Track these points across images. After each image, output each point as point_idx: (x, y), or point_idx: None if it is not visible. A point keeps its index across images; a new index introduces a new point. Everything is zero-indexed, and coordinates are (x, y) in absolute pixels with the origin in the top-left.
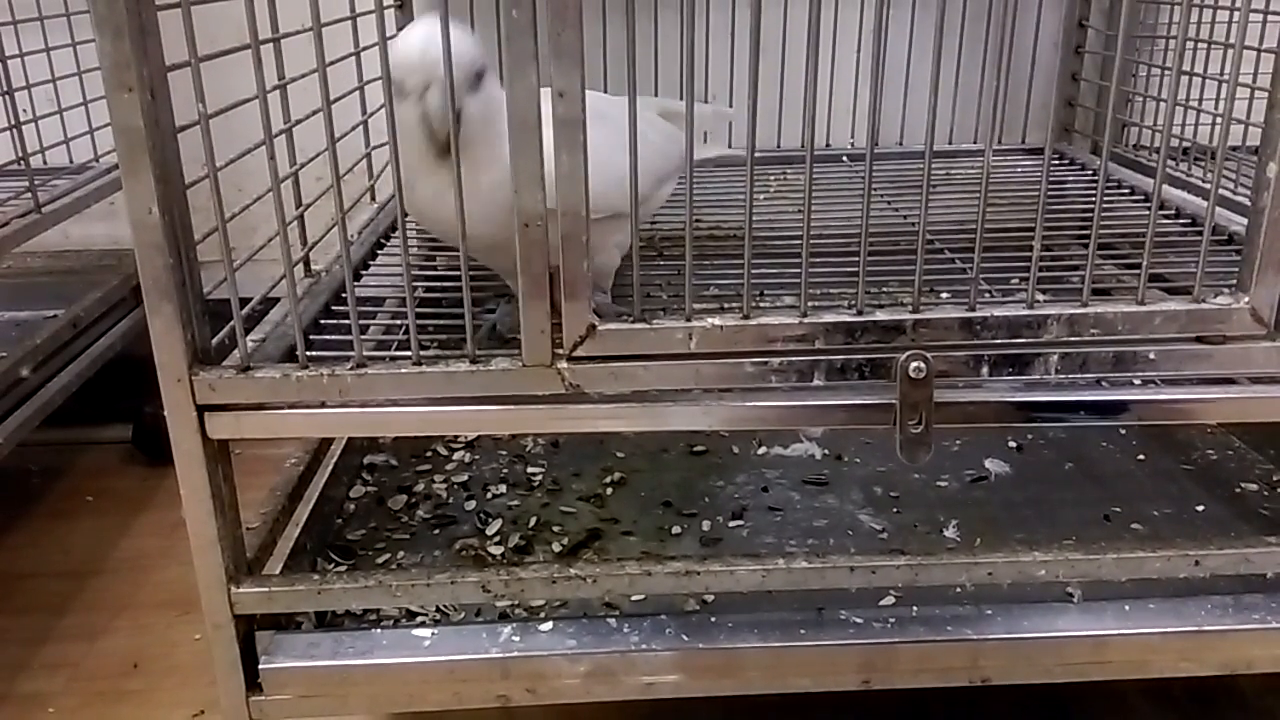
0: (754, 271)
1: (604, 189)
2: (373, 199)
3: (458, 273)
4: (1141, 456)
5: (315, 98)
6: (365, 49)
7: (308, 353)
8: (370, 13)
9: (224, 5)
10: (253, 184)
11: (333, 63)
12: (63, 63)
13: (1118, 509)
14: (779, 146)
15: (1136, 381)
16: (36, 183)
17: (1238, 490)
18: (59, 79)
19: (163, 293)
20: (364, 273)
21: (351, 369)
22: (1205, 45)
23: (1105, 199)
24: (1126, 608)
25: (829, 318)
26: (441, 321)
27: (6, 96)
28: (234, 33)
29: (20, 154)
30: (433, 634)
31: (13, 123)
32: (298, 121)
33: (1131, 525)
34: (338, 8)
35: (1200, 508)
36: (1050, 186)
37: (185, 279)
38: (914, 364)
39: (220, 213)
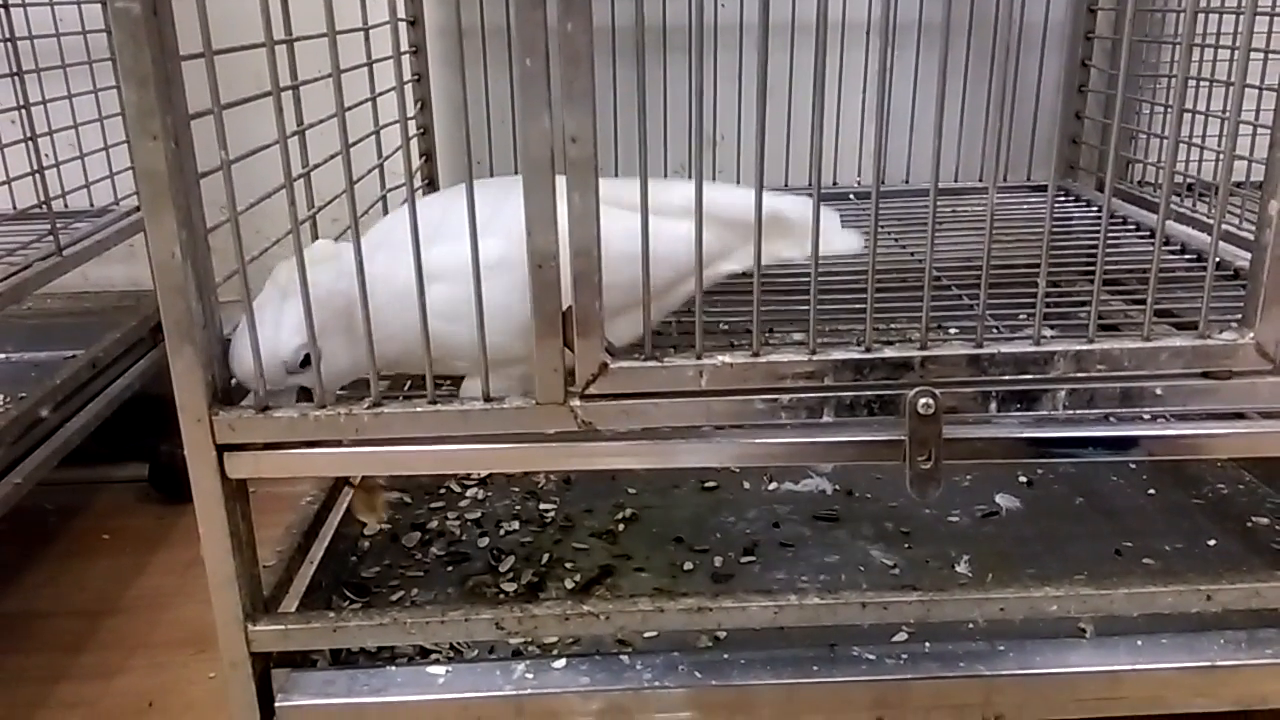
0: (763, 308)
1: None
2: None
3: None
4: (1152, 491)
5: (332, 140)
6: (382, 94)
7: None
8: (387, 58)
9: (242, 54)
10: (271, 226)
11: (350, 108)
12: (84, 108)
13: (1129, 544)
14: (786, 185)
15: (1146, 416)
16: (58, 225)
17: (1249, 524)
18: (81, 125)
19: (184, 334)
20: None
21: (368, 408)
22: (1207, 83)
23: (1111, 235)
24: (1139, 643)
25: (838, 354)
26: None
27: (30, 142)
28: (252, 79)
29: (43, 198)
30: (447, 671)
31: (35, 168)
32: (315, 166)
33: (1143, 560)
34: (355, 53)
35: (1211, 542)
36: (1056, 223)
37: (206, 320)
38: (922, 400)
39: (241, 255)
